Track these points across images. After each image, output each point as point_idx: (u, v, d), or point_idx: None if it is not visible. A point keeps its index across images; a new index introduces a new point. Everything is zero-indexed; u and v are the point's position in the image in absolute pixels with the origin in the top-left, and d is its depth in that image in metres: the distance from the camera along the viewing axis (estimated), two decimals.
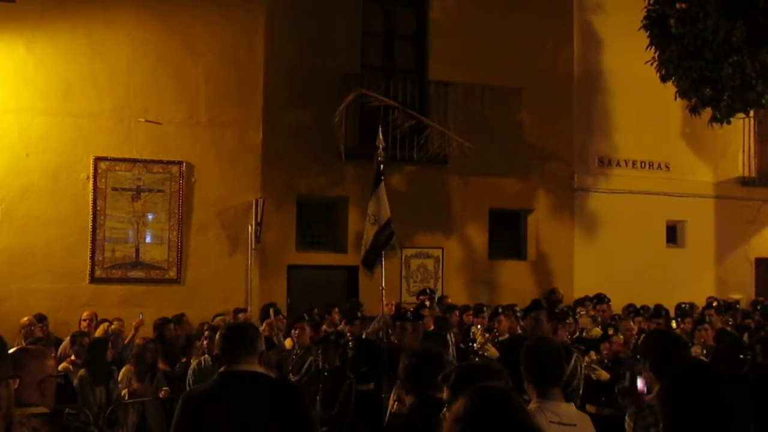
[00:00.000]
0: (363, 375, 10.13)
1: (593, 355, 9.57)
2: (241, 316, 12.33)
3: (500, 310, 11.74)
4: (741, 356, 9.73)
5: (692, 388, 2.69)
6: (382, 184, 11.42)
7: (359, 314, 12.10)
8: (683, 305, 14.58)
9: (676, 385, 2.79)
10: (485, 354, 10.26)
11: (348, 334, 11.04)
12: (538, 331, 8.52)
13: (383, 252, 11.43)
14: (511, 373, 4.22)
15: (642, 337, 8.64)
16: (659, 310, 12.60)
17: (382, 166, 11.49)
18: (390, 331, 10.80)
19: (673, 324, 11.12)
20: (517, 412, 2.88)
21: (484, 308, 12.66)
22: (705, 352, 10.19)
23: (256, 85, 14.63)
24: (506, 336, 10.82)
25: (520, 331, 10.61)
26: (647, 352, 5.18)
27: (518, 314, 11.33)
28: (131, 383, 9.87)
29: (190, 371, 9.53)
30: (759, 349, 7.67)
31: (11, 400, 2.42)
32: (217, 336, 4.82)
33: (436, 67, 16.30)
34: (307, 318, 11.51)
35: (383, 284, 11.27)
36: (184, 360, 10.70)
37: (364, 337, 11.24)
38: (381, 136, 11.65)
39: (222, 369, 4.65)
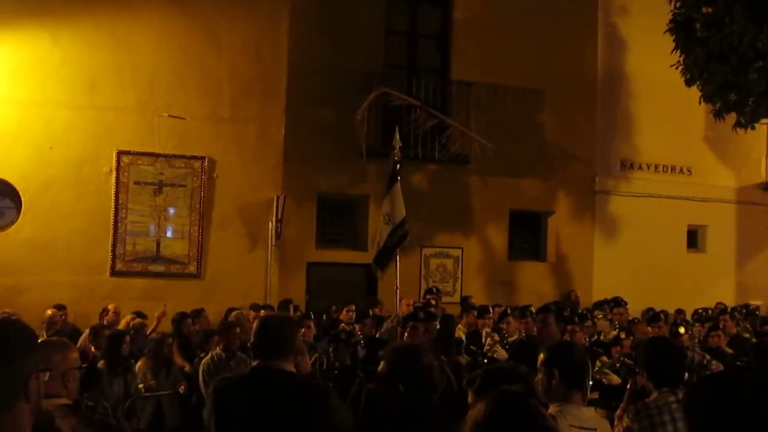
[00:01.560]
0: (374, 374, 10.08)
1: (604, 359, 9.53)
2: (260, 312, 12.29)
3: (509, 312, 11.68)
4: (738, 363, 9.64)
5: (718, 397, 2.67)
6: (398, 184, 11.34)
7: (371, 313, 12.08)
8: (700, 311, 14.52)
9: (701, 394, 2.77)
10: (494, 356, 10.23)
11: (358, 333, 11.03)
12: (546, 334, 8.45)
13: (397, 252, 11.37)
14: None
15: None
16: (657, 315, 12.49)
17: (398, 165, 11.43)
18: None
19: (681, 330, 11.00)
20: (537, 417, 2.86)
21: (491, 310, 12.61)
22: (709, 357, 10.10)
23: (279, 81, 14.66)
24: (515, 337, 10.78)
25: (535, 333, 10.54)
26: (644, 360, 5.22)
27: (534, 316, 11.28)
28: (146, 378, 9.90)
29: (203, 365, 9.49)
30: (753, 356, 7.58)
31: (41, 394, 2.44)
32: (255, 327, 4.80)
33: (459, 67, 16.29)
34: (312, 317, 11.55)
35: (398, 284, 11.23)
36: (202, 355, 10.70)
37: (378, 336, 11.21)
38: (398, 136, 11.57)
39: (255, 363, 4.63)
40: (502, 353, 10.28)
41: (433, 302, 12.92)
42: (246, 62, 14.55)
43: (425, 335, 9.90)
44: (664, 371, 4.94)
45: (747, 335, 12.07)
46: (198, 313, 12.57)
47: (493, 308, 12.92)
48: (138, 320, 11.74)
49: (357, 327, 11.33)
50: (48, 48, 13.58)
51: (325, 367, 9.96)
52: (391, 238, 11.23)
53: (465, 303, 14.08)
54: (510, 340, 10.84)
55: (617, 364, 9.41)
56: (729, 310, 13.90)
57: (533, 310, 11.76)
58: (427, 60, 16.71)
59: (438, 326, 10.94)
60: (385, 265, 11.55)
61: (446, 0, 16.61)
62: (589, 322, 11.75)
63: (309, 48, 14.94)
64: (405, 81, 15.54)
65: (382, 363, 4.37)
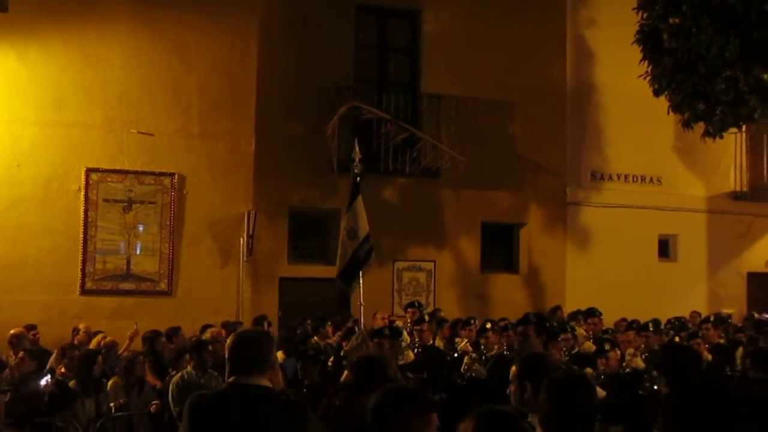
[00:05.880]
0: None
1: (589, 370, 9.47)
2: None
3: (488, 326, 11.58)
4: (729, 372, 9.60)
5: (697, 406, 2.65)
6: (360, 197, 11.19)
7: (357, 329, 11.96)
8: (673, 320, 14.55)
9: (680, 403, 2.75)
10: (473, 375, 10.14)
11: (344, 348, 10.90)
12: (527, 347, 8.40)
13: (362, 268, 11.20)
14: (499, 389, 4.14)
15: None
16: (646, 325, 12.46)
17: (359, 179, 11.28)
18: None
19: (677, 340, 10.97)
20: None
21: (472, 321, 12.51)
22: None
23: (248, 96, 14.60)
24: (494, 352, 10.71)
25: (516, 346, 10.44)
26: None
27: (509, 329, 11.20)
28: (117, 396, 9.78)
29: (173, 384, 9.36)
30: (749, 363, 7.57)
31: (3, 414, 2.39)
32: (228, 343, 4.74)
33: (429, 80, 16.30)
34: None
35: (362, 300, 11.10)
36: (174, 373, 10.58)
37: (342, 353, 11.06)
38: (357, 149, 11.37)
39: (231, 379, 4.57)
40: (481, 371, 10.18)
41: (426, 317, 12.78)
42: (215, 78, 14.48)
43: (390, 352, 9.81)
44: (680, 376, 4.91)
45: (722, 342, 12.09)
46: (176, 332, 12.41)
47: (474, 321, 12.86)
48: (109, 339, 11.60)
49: (344, 344, 11.13)
50: (14, 65, 13.46)
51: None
52: (357, 253, 11.07)
53: (434, 316, 13.91)
54: (489, 354, 10.76)
55: (602, 377, 9.36)
56: (711, 318, 13.87)
57: (513, 322, 11.68)
58: (397, 73, 16.70)
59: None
60: (352, 282, 11.37)
61: (415, 13, 16.63)
62: (568, 335, 11.68)
63: (278, 63, 14.91)
64: (375, 94, 15.50)
65: (345, 373, 4.29)
